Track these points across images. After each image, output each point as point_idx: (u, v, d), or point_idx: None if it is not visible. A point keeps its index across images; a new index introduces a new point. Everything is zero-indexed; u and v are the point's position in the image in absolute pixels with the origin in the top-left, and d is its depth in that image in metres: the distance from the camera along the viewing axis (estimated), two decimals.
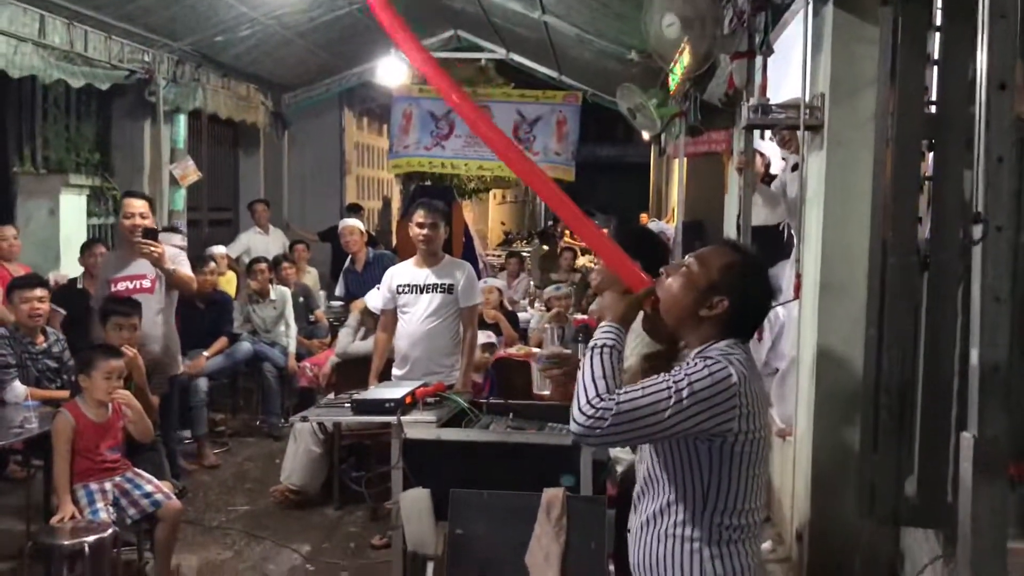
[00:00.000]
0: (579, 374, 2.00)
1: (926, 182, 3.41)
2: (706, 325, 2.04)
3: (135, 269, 5.22)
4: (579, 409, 1.91)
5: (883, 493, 3.16)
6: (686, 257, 2.14)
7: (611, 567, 3.21)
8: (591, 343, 2.07)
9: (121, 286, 5.19)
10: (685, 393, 1.88)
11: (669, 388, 1.89)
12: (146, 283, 5.20)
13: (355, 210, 9.63)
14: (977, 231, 1.75)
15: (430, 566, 3.36)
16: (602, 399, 1.90)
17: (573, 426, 1.93)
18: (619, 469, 3.39)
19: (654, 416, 1.87)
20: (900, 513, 3.19)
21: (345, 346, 6.16)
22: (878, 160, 3.55)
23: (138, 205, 5.23)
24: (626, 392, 1.91)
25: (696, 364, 1.95)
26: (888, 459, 3.15)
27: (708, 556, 1.99)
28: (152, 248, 5.06)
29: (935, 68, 3.29)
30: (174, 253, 5.48)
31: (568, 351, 3.47)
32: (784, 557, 4.55)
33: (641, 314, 2.24)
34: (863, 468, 3.27)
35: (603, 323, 2.11)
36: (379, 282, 5.17)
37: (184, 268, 5.48)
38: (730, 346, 2.02)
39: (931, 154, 3.38)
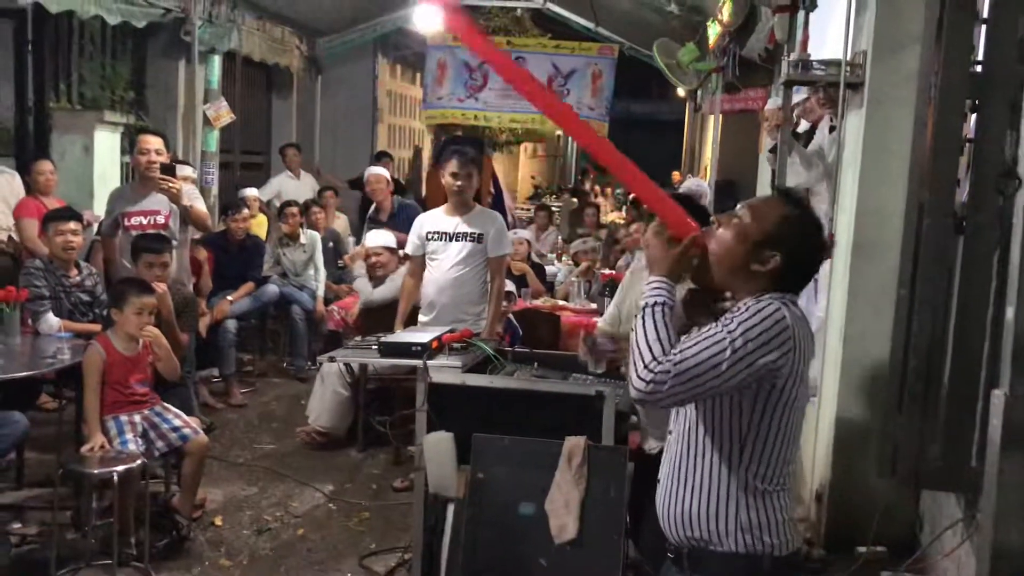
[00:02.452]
0: (632, 336, 1.96)
1: (967, 144, 3.35)
2: (756, 279, 1.98)
3: (149, 204, 5.24)
4: (637, 375, 1.88)
5: (906, 455, 3.15)
6: (739, 207, 2.07)
7: (627, 520, 3.23)
8: (643, 301, 2.01)
9: (134, 221, 5.21)
10: (739, 341, 1.84)
11: (723, 340, 1.85)
12: (160, 219, 5.22)
13: (383, 158, 9.61)
14: (1012, 187, 1.71)
15: (451, 508, 3.39)
16: (659, 362, 1.86)
17: (633, 392, 1.90)
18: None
19: (713, 371, 1.84)
20: (922, 475, 3.19)
21: (368, 295, 6.19)
22: (919, 120, 3.49)
23: (153, 141, 5.23)
24: (681, 351, 1.86)
25: (747, 308, 1.90)
26: (912, 421, 3.14)
27: (742, 506, 1.96)
28: (171, 184, 5.08)
29: (983, 26, 3.22)
30: (189, 189, 5.49)
31: (622, 334, 3.44)
32: (803, 517, 4.56)
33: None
34: (887, 429, 3.27)
35: (652, 278, 2.04)
36: (401, 230, 5.19)
37: (199, 204, 5.50)
38: (779, 296, 1.96)
39: (974, 115, 3.31)
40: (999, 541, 1.73)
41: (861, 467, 4.04)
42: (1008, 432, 1.69)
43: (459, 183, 4.80)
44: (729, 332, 1.85)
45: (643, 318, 1.95)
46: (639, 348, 1.90)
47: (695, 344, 1.86)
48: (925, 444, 3.20)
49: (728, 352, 1.83)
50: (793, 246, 1.96)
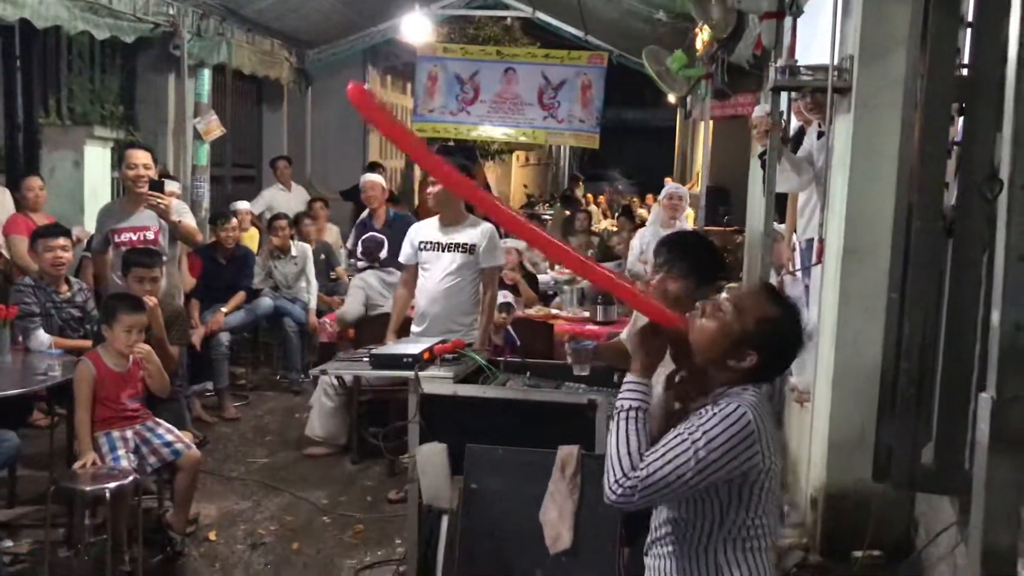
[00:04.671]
0: (608, 440, 2.02)
1: (954, 147, 3.36)
2: (731, 372, 2.03)
3: (138, 221, 5.23)
4: (609, 487, 1.96)
5: (900, 458, 3.15)
6: (722, 296, 2.13)
7: (621, 529, 3.23)
8: (617, 404, 2.07)
9: (124, 237, 5.20)
10: (703, 452, 1.89)
11: (688, 451, 1.91)
12: (150, 235, 5.21)
13: (375, 169, 9.61)
14: (995, 190, 1.72)
15: (445, 519, 3.38)
16: (628, 478, 1.93)
17: (607, 499, 1.97)
18: None
19: (679, 480, 1.90)
20: (916, 479, 3.18)
21: (343, 314, 6.29)
22: (906, 124, 3.50)
23: (141, 156, 5.23)
24: (648, 465, 1.92)
25: (709, 414, 1.95)
26: (906, 424, 3.14)
27: (724, 562, 2.01)
28: (159, 199, 5.07)
29: (968, 30, 3.22)
30: (177, 204, 5.48)
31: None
32: (798, 522, 4.55)
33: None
34: (881, 433, 3.26)
35: (628, 378, 2.10)
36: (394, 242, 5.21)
37: (188, 219, 5.49)
38: (745, 388, 2.01)
39: (961, 119, 3.32)
40: (989, 543, 1.73)
41: (856, 471, 4.03)
42: (996, 435, 1.70)
43: (436, 188, 4.82)
44: (694, 442, 1.91)
45: (616, 424, 2.02)
46: (611, 459, 1.97)
47: (661, 456, 1.92)
48: (918, 447, 3.20)
49: (692, 463, 1.89)
50: (771, 348, 2.02)
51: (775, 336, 2.01)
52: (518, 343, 5.72)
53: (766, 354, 2.00)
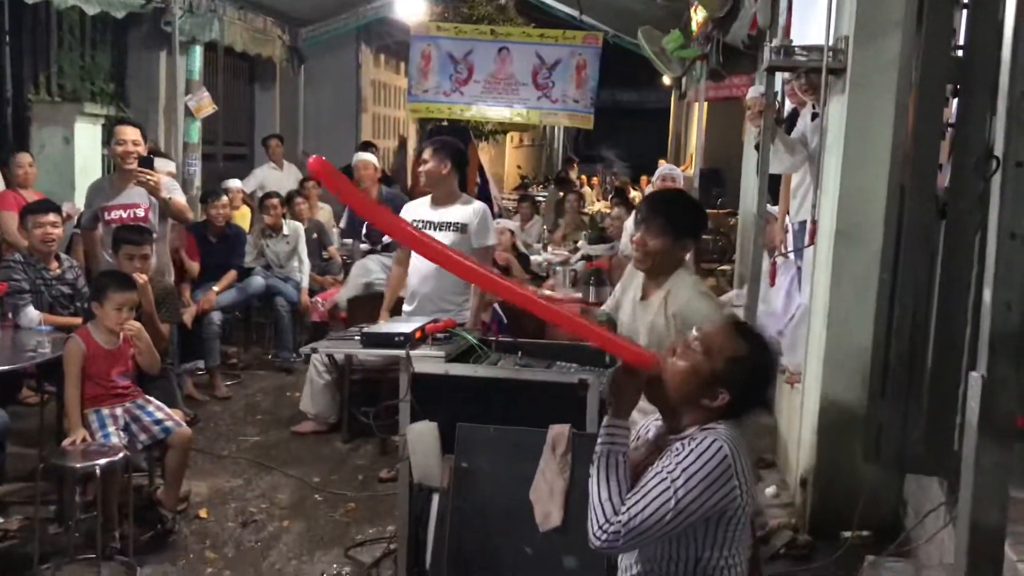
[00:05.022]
0: (590, 486, 2.03)
1: (948, 128, 3.35)
2: (705, 411, 2.05)
3: (128, 198, 5.19)
4: (593, 533, 1.97)
5: (889, 439, 3.16)
6: (693, 334, 2.12)
7: None
8: (596, 448, 2.08)
9: (114, 215, 5.17)
10: (682, 492, 1.90)
11: (667, 492, 1.91)
12: (140, 212, 5.18)
13: (368, 148, 9.57)
14: (990, 168, 1.71)
15: (435, 497, 3.38)
16: (610, 523, 1.94)
17: (592, 545, 1.97)
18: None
19: (660, 522, 1.91)
20: (906, 460, 3.19)
21: (342, 297, 6.23)
22: (900, 104, 3.49)
23: (130, 132, 5.19)
24: (629, 510, 1.93)
25: (687, 450, 1.95)
26: (896, 405, 3.15)
27: None
28: (149, 176, 5.04)
29: (964, 11, 3.21)
30: (168, 182, 5.44)
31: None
32: (788, 502, 4.58)
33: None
34: (871, 414, 3.27)
35: (605, 421, 2.11)
36: None
37: (178, 197, 5.46)
38: (723, 424, 2.02)
39: (955, 100, 3.31)
40: (977, 522, 1.73)
41: (846, 452, 4.06)
42: (985, 415, 1.70)
43: (425, 167, 4.79)
44: (672, 481, 1.92)
45: (595, 469, 2.03)
46: (593, 505, 1.99)
47: (642, 498, 1.93)
48: (908, 428, 3.21)
49: (672, 503, 1.90)
50: (742, 385, 2.03)
51: (745, 374, 2.04)
52: (505, 321, 5.71)
53: (737, 392, 2.02)
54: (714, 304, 3.28)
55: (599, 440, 2.09)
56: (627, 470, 2.01)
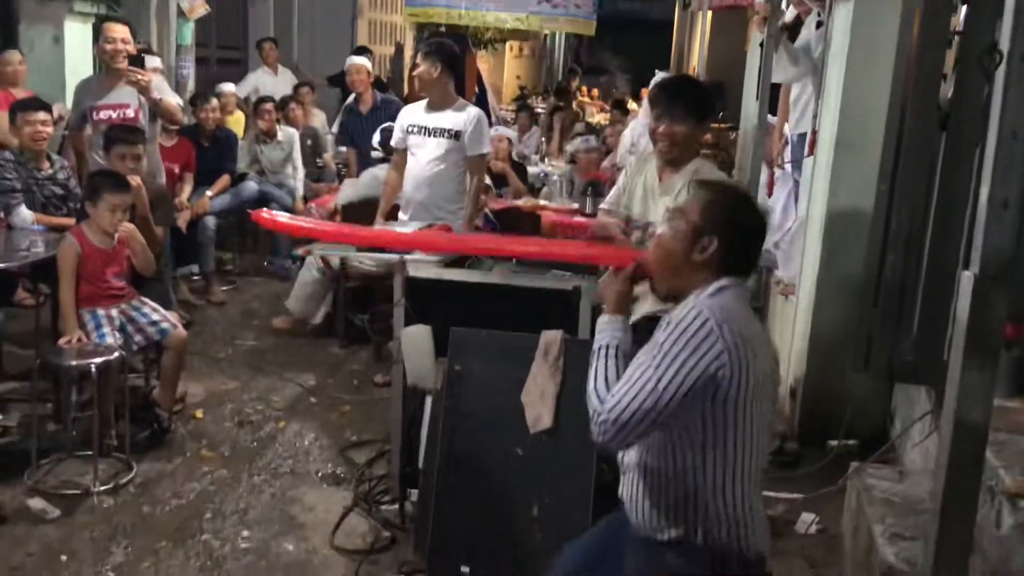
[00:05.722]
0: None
1: (955, 37, 3.28)
2: (702, 269, 2.00)
3: (117, 97, 5.09)
4: (592, 426, 1.95)
5: (880, 349, 3.18)
6: (664, 214, 2.14)
7: None
8: (594, 344, 2.07)
9: (103, 115, 5.08)
10: (663, 368, 1.86)
11: (649, 370, 1.87)
12: (129, 112, 5.09)
13: (364, 53, 9.38)
14: (994, 62, 1.67)
15: (428, 400, 3.43)
16: (599, 414, 1.92)
17: (595, 440, 1.96)
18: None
19: (644, 407, 1.86)
20: (895, 369, 3.22)
21: (345, 199, 6.13)
22: (907, 11, 3.42)
23: (118, 30, 5.05)
24: (616, 399, 1.89)
25: (669, 329, 1.92)
26: (888, 316, 3.16)
27: (701, 512, 1.96)
28: (139, 76, 4.95)
29: None
30: (158, 82, 5.34)
31: (621, 214, 3.46)
32: (778, 411, 4.64)
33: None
34: (862, 323, 3.29)
35: (601, 318, 2.13)
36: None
37: (169, 97, 5.36)
38: (719, 288, 1.97)
39: (963, 6, 3.23)
40: (961, 420, 1.75)
41: (836, 363, 4.09)
42: (976, 313, 1.70)
43: (417, 70, 4.72)
44: (653, 360, 1.88)
45: (593, 364, 2.02)
46: (588, 399, 1.97)
47: (626, 385, 1.89)
48: (899, 338, 3.23)
49: (652, 383, 1.85)
50: (725, 226, 1.99)
51: (723, 214, 2.00)
52: (497, 227, 5.70)
53: (725, 234, 1.98)
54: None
55: (596, 335, 2.09)
56: (620, 363, 1.99)
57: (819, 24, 4.81)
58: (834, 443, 3.98)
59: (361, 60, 7.23)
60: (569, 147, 7.87)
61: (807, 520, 3.65)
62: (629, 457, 2.09)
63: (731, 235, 2.00)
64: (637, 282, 2.19)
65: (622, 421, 1.87)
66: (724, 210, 2.01)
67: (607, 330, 2.08)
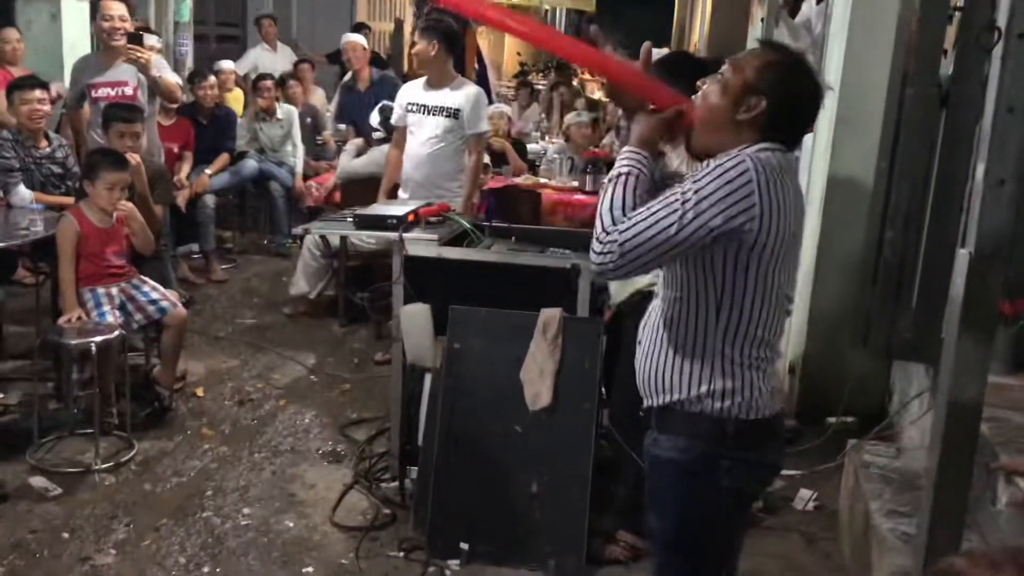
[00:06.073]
0: (599, 200, 1.90)
1: (956, 12, 3.26)
2: (745, 130, 1.88)
3: (115, 75, 5.08)
4: (592, 247, 1.84)
5: (879, 326, 3.19)
6: (724, 66, 1.96)
7: (600, 388, 3.28)
8: (613, 171, 1.93)
9: (101, 92, 5.07)
10: (692, 202, 1.75)
11: (675, 204, 1.77)
12: (128, 90, 5.07)
13: (362, 30, 9.32)
14: (992, 40, 1.66)
15: (428, 378, 3.43)
16: (608, 233, 1.81)
17: (591, 264, 1.86)
18: (623, 294, 3.40)
19: (660, 235, 1.77)
20: (894, 346, 3.23)
21: (345, 165, 6.09)
22: None
23: (116, 7, 5.03)
24: (632, 219, 1.80)
25: (706, 169, 1.81)
26: (887, 293, 3.17)
27: (716, 373, 1.90)
28: (139, 53, 4.92)
29: None
30: (157, 59, 5.32)
31: None
32: (776, 388, 4.65)
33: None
34: (862, 301, 3.30)
35: (624, 148, 1.95)
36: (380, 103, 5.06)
37: (168, 75, 5.34)
38: (762, 148, 1.85)
39: None
40: (956, 397, 1.76)
41: (835, 341, 4.10)
42: (970, 290, 1.70)
43: (414, 50, 4.69)
44: (683, 195, 1.77)
45: (606, 189, 1.89)
46: (598, 218, 1.85)
47: (647, 211, 1.79)
48: (898, 316, 3.24)
49: (679, 214, 1.75)
50: (779, 89, 1.86)
51: (780, 77, 1.87)
52: (493, 203, 5.69)
53: (775, 96, 1.86)
54: None
55: (616, 165, 1.93)
56: (642, 194, 1.86)
57: (819, 0, 4.78)
58: (833, 420, 3.99)
59: (356, 38, 7.19)
60: (565, 121, 7.80)
61: (805, 496, 3.67)
62: (650, 317, 2.04)
63: (782, 99, 1.87)
64: (674, 128, 2.00)
65: (634, 244, 1.77)
66: (780, 73, 1.89)
67: (632, 159, 1.91)
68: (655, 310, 2.04)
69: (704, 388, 1.92)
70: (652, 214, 1.78)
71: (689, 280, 1.90)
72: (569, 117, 7.48)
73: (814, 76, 1.94)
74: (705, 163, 1.90)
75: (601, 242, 1.81)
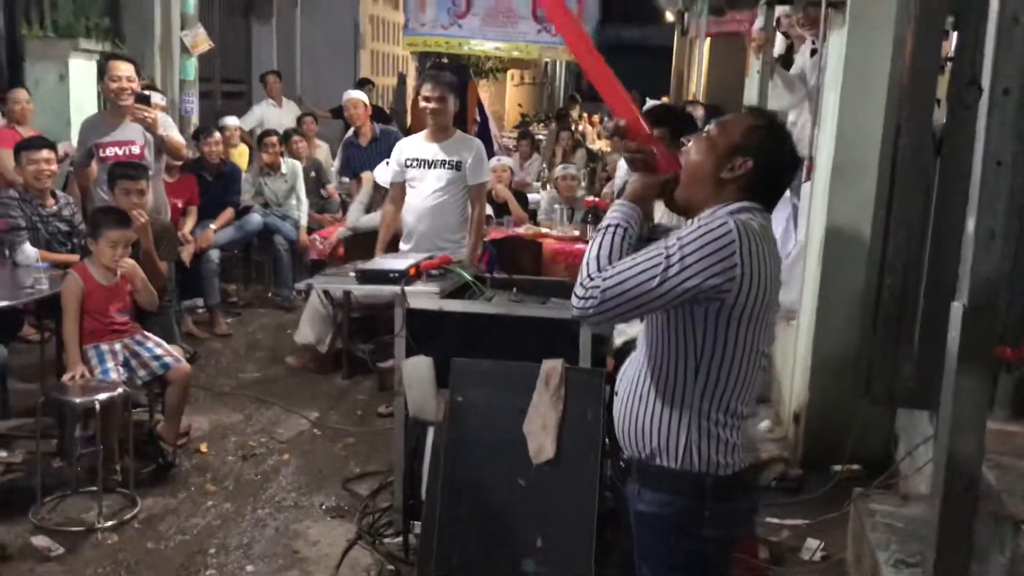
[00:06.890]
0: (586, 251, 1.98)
1: (948, 63, 3.31)
2: (728, 188, 1.96)
3: (123, 135, 5.15)
4: (575, 291, 1.90)
5: (881, 373, 3.18)
6: (709, 125, 2.07)
7: (604, 440, 3.27)
8: (603, 222, 2.02)
9: (109, 152, 5.14)
10: (676, 257, 1.81)
11: (659, 255, 1.84)
12: (135, 149, 5.15)
13: (365, 85, 9.46)
14: (974, 95, 1.69)
15: (430, 431, 3.43)
16: (592, 279, 1.87)
17: (572, 309, 1.92)
18: (616, 342, 3.42)
19: (642, 287, 1.83)
20: (896, 394, 3.22)
21: (355, 220, 6.15)
22: (899, 38, 3.45)
23: (124, 68, 5.12)
24: (615, 267, 1.87)
25: (691, 227, 1.88)
26: (888, 340, 3.17)
27: (693, 429, 1.95)
28: (146, 113, 5.00)
29: None
30: (163, 118, 5.41)
31: None
32: (780, 436, 4.64)
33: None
34: (863, 349, 3.30)
35: (616, 203, 2.06)
36: (384, 158, 5.11)
37: (174, 133, 5.42)
38: (743, 208, 1.93)
39: (955, 33, 3.27)
40: (954, 451, 1.76)
41: (838, 388, 4.09)
42: (966, 343, 1.71)
43: (432, 105, 4.74)
44: (668, 250, 1.84)
45: (594, 239, 1.97)
46: (583, 266, 1.92)
47: (632, 261, 1.86)
48: (899, 363, 3.24)
49: (661, 268, 1.82)
50: (762, 152, 1.94)
51: (764, 141, 1.96)
52: (495, 254, 5.71)
53: (760, 159, 1.94)
54: None
55: (605, 217, 2.02)
56: (628, 248, 1.94)
57: (813, 51, 4.85)
58: (838, 468, 3.97)
59: (357, 94, 7.31)
60: (554, 173, 7.87)
61: (812, 546, 3.63)
62: (631, 367, 2.10)
63: (767, 162, 1.96)
64: (668, 190, 2.09)
65: (615, 292, 1.83)
66: (766, 138, 1.98)
67: (622, 212, 2.01)
68: (634, 362, 2.11)
69: (683, 442, 1.98)
70: (636, 264, 1.85)
71: (669, 338, 1.96)
72: (557, 169, 7.57)
73: (793, 145, 2.06)
74: (687, 220, 1.99)
75: (584, 287, 1.88)
